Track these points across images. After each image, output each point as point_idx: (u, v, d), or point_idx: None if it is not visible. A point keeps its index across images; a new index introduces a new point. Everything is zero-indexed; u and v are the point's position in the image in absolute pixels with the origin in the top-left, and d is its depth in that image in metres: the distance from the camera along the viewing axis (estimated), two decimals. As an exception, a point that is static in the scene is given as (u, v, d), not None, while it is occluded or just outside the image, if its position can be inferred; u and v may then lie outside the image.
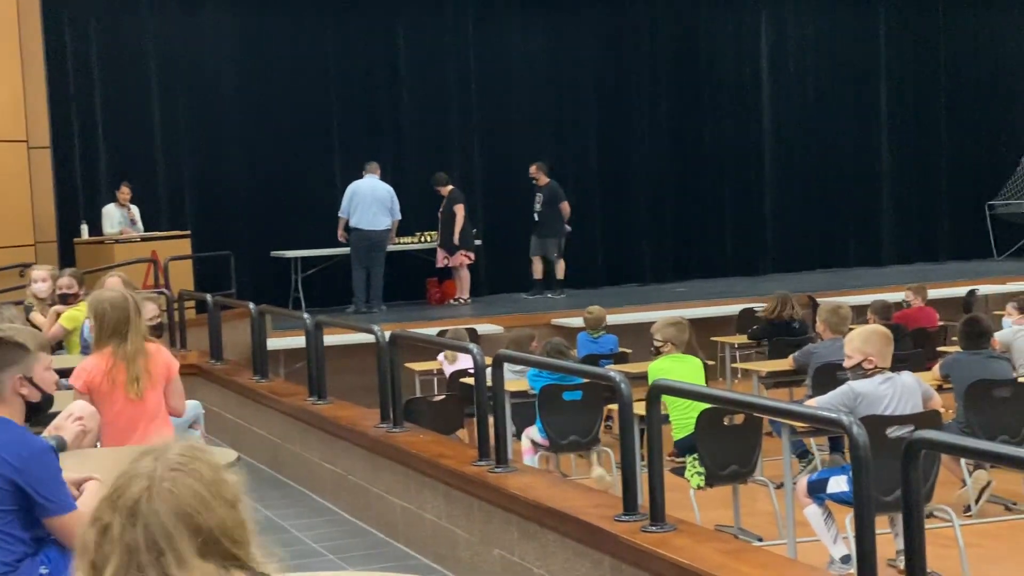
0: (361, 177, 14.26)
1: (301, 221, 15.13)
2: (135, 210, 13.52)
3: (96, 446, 4.98)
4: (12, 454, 3.62)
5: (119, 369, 5.22)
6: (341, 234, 14.26)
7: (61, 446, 4.25)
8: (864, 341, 5.86)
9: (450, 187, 14.72)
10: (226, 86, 15.10)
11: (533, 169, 15.03)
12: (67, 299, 8.31)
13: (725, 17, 17.48)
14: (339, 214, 14.19)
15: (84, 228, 13.32)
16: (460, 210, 14.55)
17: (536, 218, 15.01)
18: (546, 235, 14.93)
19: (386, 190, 14.18)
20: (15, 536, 3.64)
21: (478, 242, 15.09)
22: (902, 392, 5.75)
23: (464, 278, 14.82)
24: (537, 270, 15.13)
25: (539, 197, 14.93)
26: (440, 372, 9.51)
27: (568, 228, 15.09)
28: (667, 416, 6.80)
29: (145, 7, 14.74)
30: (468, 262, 14.76)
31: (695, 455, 6.52)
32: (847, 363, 5.92)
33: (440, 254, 14.76)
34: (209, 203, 14.97)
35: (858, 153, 18.18)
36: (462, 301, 14.72)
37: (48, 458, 3.66)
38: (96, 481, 3.82)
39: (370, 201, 14.02)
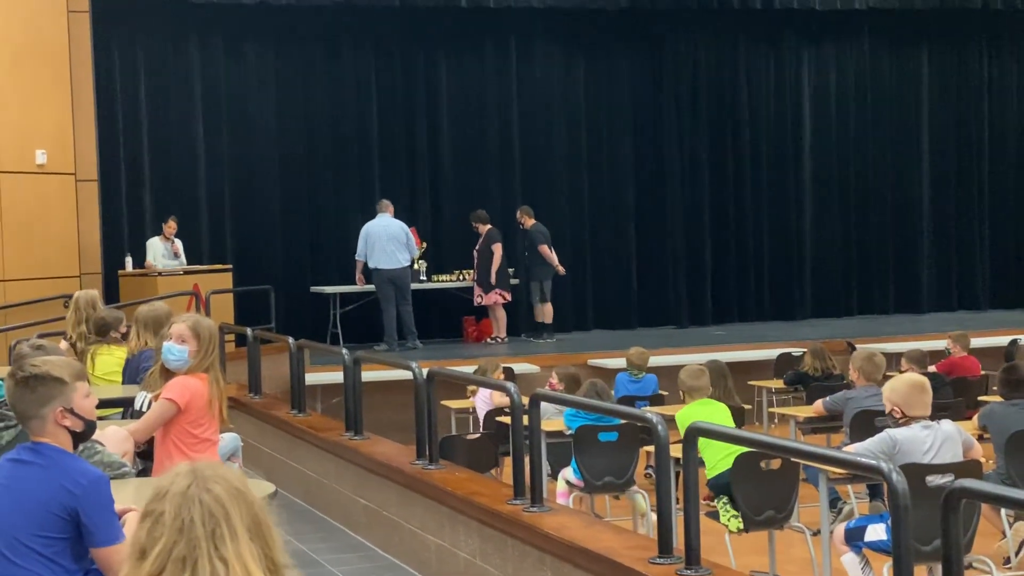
0: (374, 217, 14.18)
1: (340, 257, 15.21)
2: (179, 243, 13.67)
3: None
4: (72, 482, 3.66)
5: (215, 392, 5.40)
6: (359, 277, 14.25)
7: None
8: (891, 391, 5.88)
9: (488, 226, 14.76)
10: (269, 122, 15.30)
11: (519, 214, 15.08)
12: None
13: (766, 60, 17.50)
14: (356, 257, 14.14)
15: (128, 260, 13.48)
16: (498, 249, 14.58)
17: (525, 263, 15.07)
18: (529, 279, 14.94)
19: (400, 227, 14.12)
20: (63, 567, 3.66)
21: (515, 281, 15.12)
22: (943, 441, 5.71)
23: (500, 317, 14.84)
24: (536, 313, 15.10)
25: (526, 241, 14.98)
26: (475, 410, 9.52)
27: (561, 270, 15.02)
28: (701, 459, 6.78)
29: (193, 44, 14.99)
30: (504, 301, 14.79)
31: (724, 498, 6.50)
32: (887, 410, 5.93)
33: (476, 291, 14.80)
34: (250, 237, 15.13)
35: (899, 198, 18.09)
36: (498, 340, 14.73)
37: (104, 487, 3.70)
38: (135, 512, 3.86)
39: (385, 240, 13.98)
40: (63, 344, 8.02)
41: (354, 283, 14.55)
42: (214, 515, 2.12)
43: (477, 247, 14.79)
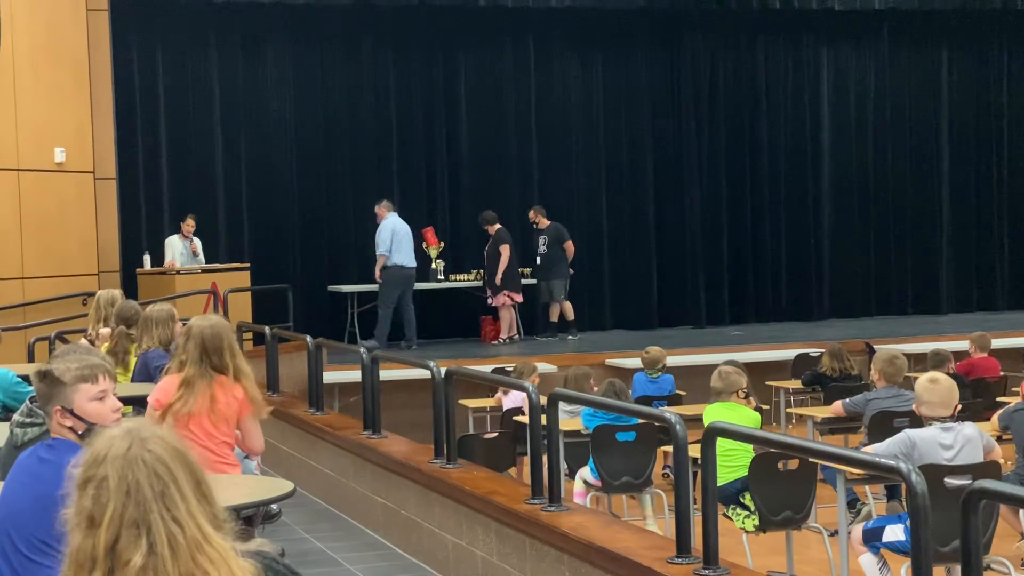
0: (378, 215, 14.13)
1: (358, 256, 15.24)
2: (197, 242, 13.71)
3: None
4: None
5: (192, 394, 5.44)
6: (379, 273, 14.16)
7: None
8: (915, 388, 5.88)
9: (497, 226, 14.75)
10: (287, 122, 15.34)
11: (532, 214, 15.06)
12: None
13: (785, 60, 17.45)
14: (381, 252, 13.98)
15: (147, 259, 13.52)
16: (505, 250, 14.52)
17: (539, 261, 15.00)
18: (552, 277, 14.91)
19: (409, 227, 14.26)
20: None
21: (531, 282, 15.10)
22: (964, 443, 5.69)
23: (506, 318, 14.79)
24: (553, 312, 15.08)
25: (543, 240, 14.94)
26: (495, 409, 9.53)
27: (571, 270, 15.05)
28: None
29: (211, 43, 15.04)
30: (512, 303, 14.73)
31: (734, 506, 6.49)
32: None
33: (489, 291, 14.79)
34: (267, 237, 15.16)
35: (917, 199, 18.02)
36: (503, 342, 14.64)
37: None
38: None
39: (408, 238, 14.09)
40: (83, 341, 8.07)
41: (372, 282, 14.51)
42: (160, 476, 2.03)
43: (487, 248, 14.78)
